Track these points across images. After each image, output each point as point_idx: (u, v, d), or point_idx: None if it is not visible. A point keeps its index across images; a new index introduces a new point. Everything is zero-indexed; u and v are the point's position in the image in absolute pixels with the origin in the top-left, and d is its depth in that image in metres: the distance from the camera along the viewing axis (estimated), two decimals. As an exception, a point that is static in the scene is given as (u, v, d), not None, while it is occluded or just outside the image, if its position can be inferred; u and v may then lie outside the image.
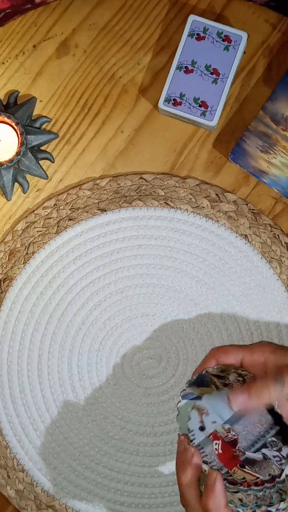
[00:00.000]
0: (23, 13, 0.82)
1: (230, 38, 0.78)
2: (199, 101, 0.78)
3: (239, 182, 0.81)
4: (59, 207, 0.81)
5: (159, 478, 0.79)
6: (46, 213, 0.81)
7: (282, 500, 0.60)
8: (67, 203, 0.81)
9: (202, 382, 0.65)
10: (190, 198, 0.81)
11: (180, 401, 0.64)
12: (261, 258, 0.80)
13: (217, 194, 0.81)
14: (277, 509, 0.60)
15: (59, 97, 0.82)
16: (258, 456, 0.61)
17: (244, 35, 0.78)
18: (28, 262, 0.81)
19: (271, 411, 0.62)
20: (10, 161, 0.78)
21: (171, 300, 0.80)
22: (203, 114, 0.78)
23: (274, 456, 0.61)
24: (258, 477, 0.60)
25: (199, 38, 0.78)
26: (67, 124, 0.82)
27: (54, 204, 0.81)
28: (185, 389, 0.65)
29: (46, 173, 0.81)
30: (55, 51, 0.83)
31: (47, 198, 0.82)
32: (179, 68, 0.78)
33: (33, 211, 0.82)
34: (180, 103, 0.78)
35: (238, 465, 0.61)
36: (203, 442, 0.62)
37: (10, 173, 0.80)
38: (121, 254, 0.81)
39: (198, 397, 0.64)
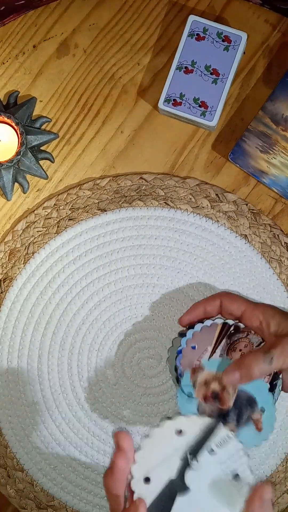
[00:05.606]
0: (18, 11, 0.82)
1: (230, 39, 0.78)
2: (199, 101, 0.78)
3: (239, 182, 0.81)
4: (59, 207, 0.81)
5: (159, 478, 0.79)
6: (46, 213, 0.81)
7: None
8: (67, 203, 0.81)
9: None
10: (190, 198, 0.81)
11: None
12: (261, 258, 0.80)
13: (217, 194, 0.81)
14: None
15: (59, 97, 0.83)
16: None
17: (244, 35, 0.78)
18: (28, 262, 0.81)
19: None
20: (10, 161, 0.78)
21: (171, 300, 0.80)
22: (203, 114, 0.78)
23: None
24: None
25: (199, 38, 0.78)
26: (67, 124, 0.82)
27: (54, 204, 0.81)
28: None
29: (46, 173, 0.81)
30: (55, 51, 0.83)
31: (47, 198, 0.82)
32: (179, 68, 0.78)
33: (33, 211, 0.82)
34: (180, 103, 0.78)
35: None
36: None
37: (10, 173, 0.80)
38: (121, 254, 0.81)
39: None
